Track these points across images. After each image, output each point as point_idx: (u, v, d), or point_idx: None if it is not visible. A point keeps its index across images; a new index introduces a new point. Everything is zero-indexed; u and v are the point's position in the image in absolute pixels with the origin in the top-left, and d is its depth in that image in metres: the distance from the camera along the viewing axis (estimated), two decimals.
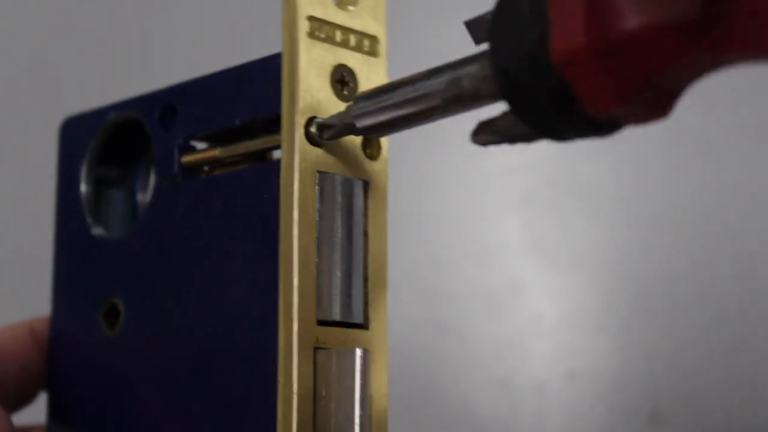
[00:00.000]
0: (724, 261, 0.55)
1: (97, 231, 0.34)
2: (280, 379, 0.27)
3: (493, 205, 0.58)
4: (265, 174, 0.28)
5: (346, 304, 0.28)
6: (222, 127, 0.30)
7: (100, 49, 0.62)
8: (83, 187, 0.35)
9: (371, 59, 0.29)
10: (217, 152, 0.31)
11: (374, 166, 0.29)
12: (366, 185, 0.29)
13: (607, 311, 0.56)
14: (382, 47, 0.30)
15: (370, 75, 0.29)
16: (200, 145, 0.32)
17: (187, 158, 0.31)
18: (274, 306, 0.27)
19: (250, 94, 0.29)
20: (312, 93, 0.28)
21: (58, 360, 0.35)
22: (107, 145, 0.35)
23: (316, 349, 0.27)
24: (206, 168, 0.32)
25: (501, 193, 0.58)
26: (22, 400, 0.35)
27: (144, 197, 0.36)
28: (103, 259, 0.33)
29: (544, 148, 0.59)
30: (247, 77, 0.30)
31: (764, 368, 0.55)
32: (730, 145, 0.57)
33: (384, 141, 0.30)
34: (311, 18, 0.28)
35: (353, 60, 0.29)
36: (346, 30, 0.29)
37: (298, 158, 0.27)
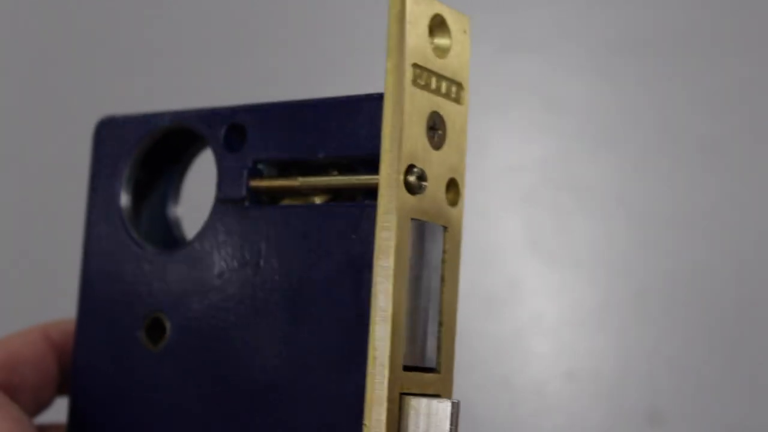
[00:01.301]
0: (724, 261, 0.55)
1: (140, 242, 0.34)
2: (366, 422, 0.27)
3: (493, 204, 0.58)
4: (355, 215, 0.29)
5: (425, 349, 0.29)
6: (301, 157, 0.30)
7: (108, 50, 0.62)
8: (124, 197, 0.34)
9: (457, 106, 0.30)
10: (296, 182, 0.31)
11: (453, 212, 0.30)
12: (445, 231, 0.29)
13: (606, 311, 0.56)
14: (466, 94, 0.31)
15: (456, 121, 0.30)
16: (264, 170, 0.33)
17: (257, 183, 0.31)
18: (357, 348, 0.28)
19: (340, 131, 0.29)
20: (411, 140, 0.28)
21: (85, 370, 0.34)
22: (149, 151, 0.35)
23: (402, 395, 0.28)
24: (274, 196, 0.32)
25: (501, 193, 0.58)
26: (39, 406, 0.35)
27: (174, 208, 0.36)
28: (146, 272, 0.33)
29: (544, 148, 0.59)
30: (338, 113, 0.30)
31: (764, 368, 0.55)
32: (730, 145, 0.57)
33: (462, 187, 0.30)
34: (415, 65, 0.29)
35: (444, 106, 0.29)
36: (440, 77, 0.29)
37: (397, 205, 0.28)
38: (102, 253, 0.34)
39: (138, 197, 0.34)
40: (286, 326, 0.30)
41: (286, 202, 0.31)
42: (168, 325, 0.32)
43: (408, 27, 0.29)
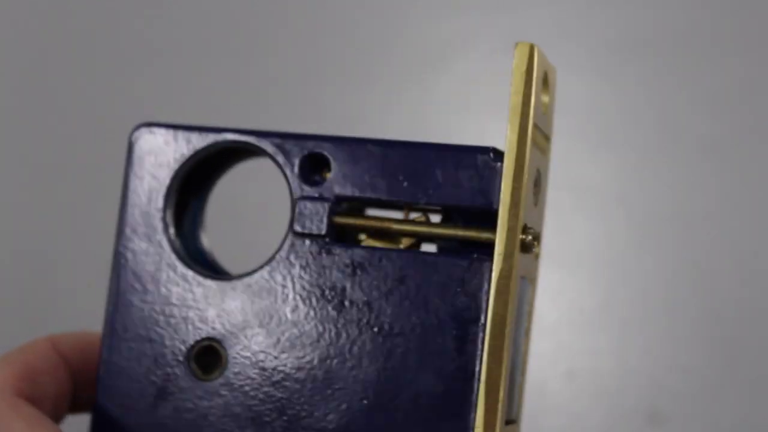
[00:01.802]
0: (724, 261, 0.55)
1: (191, 264, 0.32)
2: None
3: None
4: (463, 268, 0.29)
5: (513, 403, 0.30)
6: (400, 200, 0.30)
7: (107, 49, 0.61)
8: (168, 214, 0.33)
9: (546, 159, 0.31)
10: (388, 225, 0.30)
11: (536, 264, 0.30)
12: (531, 284, 0.30)
13: (606, 311, 0.56)
14: (551, 145, 0.31)
15: (545, 175, 0.31)
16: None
17: (341, 220, 0.31)
18: (456, 403, 0.29)
19: (445, 180, 0.30)
20: (527, 200, 0.29)
21: (113, 390, 0.32)
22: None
23: None
24: (350, 234, 0.31)
25: None
26: (57, 421, 0.34)
27: (203, 231, 0.35)
28: (198, 297, 0.31)
29: None
30: (443, 161, 0.30)
31: (764, 368, 0.55)
32: (730, 145, 0.57)
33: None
34: (535, 126, 0.29)
35: (541, 162, 0.30)
36: (543, 134, 0.30)
37: (516, 267, 0.28)
38: (140, 271, 0.32)
39: (177, 216, 0.33)
40: (373, 371, 0.29)
41: (367, 243, 0.31)
42: (225, 354, 0.31)
43: (534, 87, 0.29)
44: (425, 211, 0.31)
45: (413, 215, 0.31)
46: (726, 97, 0.57)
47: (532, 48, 0.29)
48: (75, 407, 0.34)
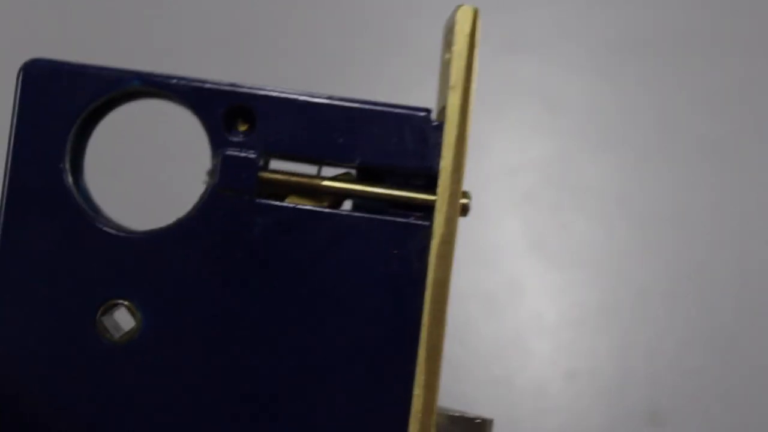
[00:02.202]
0: (724, 261, 0.55)
1: (96, 218, 0.30)
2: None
3: (493, 205, 0.58)
4: (402, 232, 0.29)
5: None
6: (333, 158, 0.29)
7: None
8: (68, 164, 0.30)
9: None
10: (321, 183, 0.30)
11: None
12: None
13: (607, 311, 0.56)
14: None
15: None
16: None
17: (268, 176, 0.30)
18: (396, 363, 0.29)
19: (385, 139, 0.29)
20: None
21: (7, 363, 0.30)
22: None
23: None
24: (277, 191, 0.30)
25: (501, 193, 0.58)
26: None
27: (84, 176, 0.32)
28: (101, 253, 0.29)
29: (544, 148, 0.59)
30: (381, 121, 0.29)
31: (764, 368, 0.55)
32: (730, 145, 0.57)
33: None
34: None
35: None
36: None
37: (456, 231, 0.28)
38: (28, 227, 0.29)
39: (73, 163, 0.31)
40: (303, 338, 0.29)
41: (291, 200, 0.30)
42: (139, 316, 0.29)
43: (476, 51, 0.29)
44: (361, 171, 0.30)
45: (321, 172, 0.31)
46: (726, 97, 0.57)
47: (476, 11, 0.29)
48: None
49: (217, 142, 0.29)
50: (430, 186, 0.29)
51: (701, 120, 0.57)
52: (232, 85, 0.29)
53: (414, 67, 0.58)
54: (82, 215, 0.29)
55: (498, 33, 0.59)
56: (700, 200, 0.56)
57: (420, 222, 0.29)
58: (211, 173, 0.30)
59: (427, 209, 0.29)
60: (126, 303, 0.29)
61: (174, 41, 0.59)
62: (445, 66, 0.31)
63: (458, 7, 0.29)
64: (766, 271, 0.55)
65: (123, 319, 0.30)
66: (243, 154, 0.29)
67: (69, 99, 0.30)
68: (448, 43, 0.30)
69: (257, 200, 0.29)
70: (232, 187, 0.29)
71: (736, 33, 0.58)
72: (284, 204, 0.29)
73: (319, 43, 0.59)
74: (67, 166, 0.29)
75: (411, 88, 0.58)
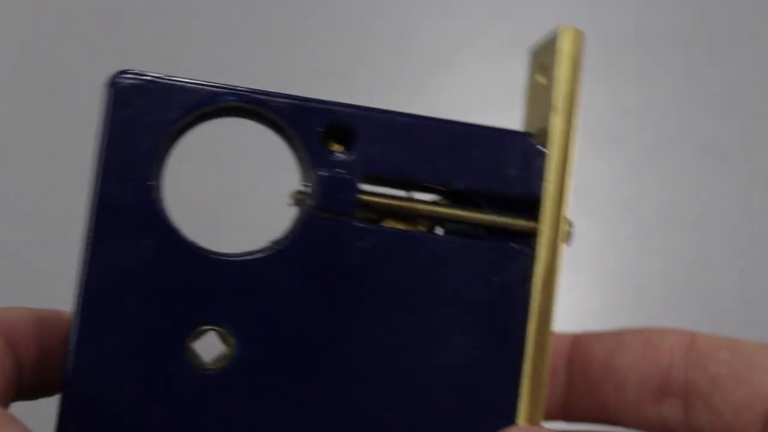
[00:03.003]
0: (724, 261, 0.55)
1: (187, 240, 0.28)
2: None
3: None
4: (504, 258, 0.28)
5: None
6: (435, 182, 0.28)
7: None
8: (159, 181, 0.28)
9: None
10: (421, 207, 0.29)
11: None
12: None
13: (607, 311, 0.56)
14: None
15: None
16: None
17: (369, 198, 0.28)
18: (497, 391, 0.28)
19: (488, 163, 0.28)
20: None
21: (89, 387, 0.27)
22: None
23: None
24: (376, 214, 0.29)
25: None
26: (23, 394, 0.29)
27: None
28: (198, 275, 0.28)
29: None
30: (482, 144, 0.28)
31: None
32: (730, 145, 0.57)
33: None
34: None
35: None
36: None
37: (560, 258, 0.28)
38: (118, 245, 0.27)
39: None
40: (402, 362, 0.28)
41: (386, 223, 0.29)
42: (231, 343, 0.28)
43: (580, 74, 0.28)
44: (453, 194, 0.29)
45: (417, 195, 0.30)
46: (726, 97, 0.57)
47: (579, 33, 0.28)
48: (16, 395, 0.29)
49: (314, 162, 0.28)
50: (529, 211, 0.28)
51: (701, 120, 0.57)
52: (332, 103, 0.28)
53: (414, 68, 0.58)
54: (173, 234, 0.28)
55: (497, 34, 0.59)
56: (699, 200, 0.56)
57: (521, 248, 0.28)
58: (297, 194, 0.29)
59: (527, 235, 0.28)
60: (218, 329, 0.28)
61: (174, 41, 0.59)
62: (539, 89, 0.30)
63: (559, 27, 0.28)
64: (766, 271, 0.55)
65: (208, 344, 0.29)
66: (342, 176, 0.28)
67: (161, 113, 0.28)
68: (542, 66, 0.29)
69: (356, 223, 0.28)
70: (331, 209, 0.28)
71: (735, 33, 0.58)
72: (384, 227, 0.28)
73: (320, 43, 0.59)
74: (157, 182, 0.28)
75: (411, 89, 0.58)
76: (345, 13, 0.59)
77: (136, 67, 0.28)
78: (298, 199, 0.29)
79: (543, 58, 0.29)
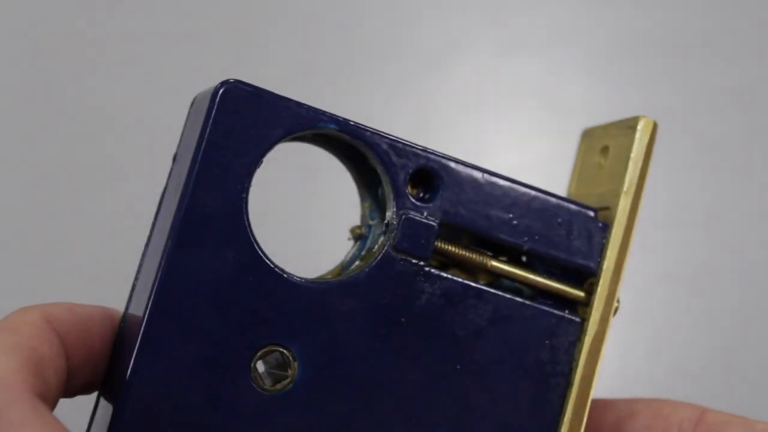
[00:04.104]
0: (724, 261, 0.55)
1: (269, 260, 0.28)
2: None
3: None
4: (557, 323, 0.29)
5: None
6: (504, 239, 0.29)
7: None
8: (248, 196, 0.27)
9: None
10: (487, 262, 0.30)
11: None
12: None
13: None
14: None
15: None
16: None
17: (445, 246, 0.29)
18: None
19: (556, 231, 0.30)
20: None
21: (150, 392, 0.27)
22: None
23: None
24: (444, 261, 0.30)
25: None
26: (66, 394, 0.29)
27: None
28: (273, 295, 0.27)
29: (544, 149, 0.59)
30: (560, 212, 0.30)
31: (764, 368, 0.55)
32: (731, 145, 0.57)
33: None
34: None
35: None
36: None
37: (609, 330, 0.29)
38: (200, 253, 0.27)
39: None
40: (451, 405, 0.29)
41: (450, 272, 0.30)
42: (294, 365, 0.28)
43: (651, 162, 0.30)
44: (508, 251, 0.30)
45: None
46: (726, 97, 0.57)
47: (655, 125, 0.30)
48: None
49: (398, 202, 0.28)
50: (580, 280, 0.30)
51: (701, 120, 0.57)
52: (423, 148, 0.29)
53: (414, 68, 0.59)
54: (255, 250, 0.27)
55: (499, 35, 0.59)
56: (700, 200, 0.56)
57: (572, 317, 0.30)
58: (356, 229, 0.30)
59: (576, 304, 0.30)
60: (285, 351, 0.28)
61: (173, 40, 0.59)
62: (595, 168, 0.31)
63: (638, 117, 0.30)
64: (767, 271, 0.55)
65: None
66: (425, 221, 0.29)
67: (267, 129, 0.27)
68: (603, 148, 0.31)
69: (429, 269, 0.29)
70: (409, 251, 0.29)
71: (735, 34, 0.58)
72: (454, 277, 0.29)
73: (319, 42, 0.59)
74: (247, 196, 0.27)
75: (411, 88, 0.58)
76: (345, 13, 0.59)
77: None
78: (357, 234, 0.30)
79: (605, 141, 0.31)
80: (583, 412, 0.29)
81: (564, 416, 0.29)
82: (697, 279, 0.56)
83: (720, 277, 0.55)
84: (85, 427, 0.29)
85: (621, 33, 0.59)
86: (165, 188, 0.29)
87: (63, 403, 0.28)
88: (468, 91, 0.58)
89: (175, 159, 0.29)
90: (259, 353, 0.27)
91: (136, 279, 0.29)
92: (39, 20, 0.61)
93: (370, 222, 0.30)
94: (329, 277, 0.30)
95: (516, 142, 0.59)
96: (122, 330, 0.28)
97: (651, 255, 0.56)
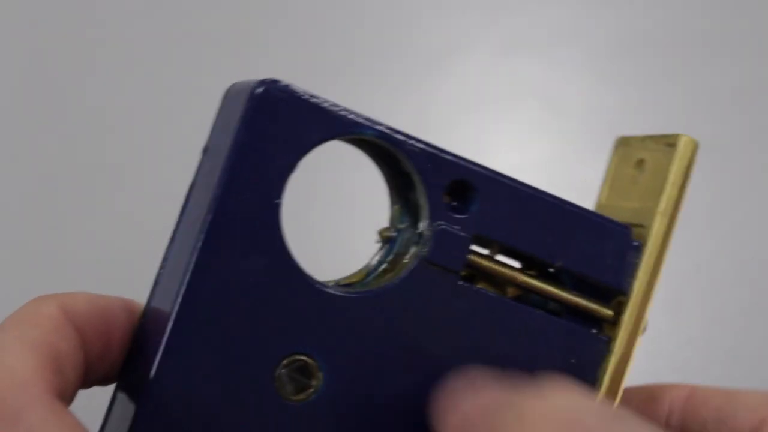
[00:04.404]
0: (724, 261, 0.55)
1: (299, 268, 0.27)
2: None
3: None
4: (585, 341, 0.29)
5: None
6: (537, 255, 0.29)
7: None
8: (281, 201, 0.27)
9: None
10: (518, 277, 0.29)
11: None
12: None
13: None
14: None
15: None
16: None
17: (477, 260, 0.29)
18: None
19: (586, 248, 0.29)
20: None
21: (171, 393, 0.26)
22: None
23: None
24: (474, 274, 0.29)
25: None
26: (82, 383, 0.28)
27: None
28: (302, 303, 0.27)
29: (544, 148, 0.59)
30: (589, 229, 0.29)
31: (764, 368, 0.55)
32: (731, 145, 0.57)
33: None
34: None
35: None
36: None
37: (635, 351, 0.29)
38: (229, 257, 0.26)
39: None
40: None
41: (479, 284, 0.29)
42: (319, 376, 0.27)
43: (689, 182, 0.29)
44: (537, 265, 0.30)
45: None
46: (726, 97, 0.57)
47: (696, 145, 0.29)
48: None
49: (433, 213, 0.28)
50: (608, 299, 0.29)
51: (701, 120, 0.57)
52: (461, 158, 0.28)
53: (414, 67, 0.59)
54: (286, 257, 0.27)
55: (499, 35, 0.59)
56: (700, 200, 0.56)
57: (599, 335, 0.29)
58: (384, 231, 0.29)
59: (602, 322, 0.30)
60: (310, 360, 0.27)
61: (174, 41, 0.59)
62: (628, 180, 0.31)
63: (679, 135, 0.30)
64: (767, 271, 0.55)
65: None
66: (458, 233, 0.28)
67: (301, 133, 0.26)
68: (638, 161, 0.31)
69: (460, 281, 0.28)
70: (441, 263, 0.28)
71: (735, 34, 0.58)
72: (484, 291, 0.29)
73: (319, 42, 0.59)
74: (280, 201, 0.26)
75: (411, 88, 0.58)
76: (345, 13, 0.59)
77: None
78: (386, 237, 0.29)
79: (641, 154, 0.31)
80: None
81: None
82: (697, 279, 0.56)
83: (720, 276, 0.55)
84: (101, 417, 0.28)
85: (621, 33, 0.59)
86: (194, 182, 0.28)
87: (79, 393, 0.27)
88: (468, 91, 0.58)
89: (205, 151, 0.28)
90: (284, 362, 0.27)
91: (161, 270, 0.28)
92: (39, 20, 0.61)
93: (399, 226, 0.29)
94: (354, 280, 0.29)
95: (516, 142, 0.59)
96: (144, 324, 0.28)
97: None
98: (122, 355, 0.28)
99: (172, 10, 0.60)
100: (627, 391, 0.31)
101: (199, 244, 0.26)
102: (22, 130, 0.59)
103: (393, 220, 0.29)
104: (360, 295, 0.27)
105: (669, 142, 0.30)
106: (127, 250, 0.54)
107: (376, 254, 0.30)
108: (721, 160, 0.56)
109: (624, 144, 0.32)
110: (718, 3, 0.58)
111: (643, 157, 0.30)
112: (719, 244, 0.56)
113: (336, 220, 0.55)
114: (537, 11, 0.59)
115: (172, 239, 0.28)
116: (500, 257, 0.30)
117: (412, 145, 0.28)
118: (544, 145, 0.59)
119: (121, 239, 0.55)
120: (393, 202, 0.30)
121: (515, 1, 0.59)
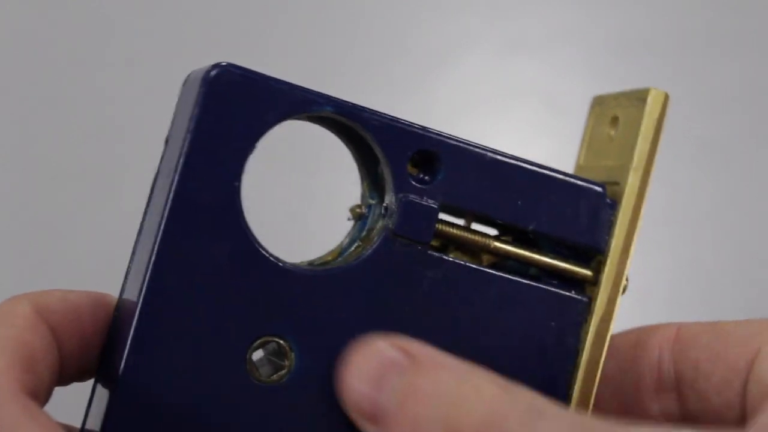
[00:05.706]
0: (724, 261, 0.55)
1: (263, 249, 0.27)
2: None
3: None
4: (562, 304, 0.28)
5: None
6: (508, 220, 0.28)
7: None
8: (240, 183, 0.26)
9: None
10: (489, 243, 0.28)
11: None
12: None
13: None
14: None
15: None
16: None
17: (445, 229, 0.28)
18: None
19: (561, 210, 0.28)
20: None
21: (142, 389, 0.26)
22: None
23: None
24: (444, 243, 0.29)
25: None
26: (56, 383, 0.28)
27: None
28: (268, 285, 0.27)
29: (544, 148, 0.59)
30: (559, 192, 0.28)
31: None
32: (730, 145, 0.57)
33: None
34: None
35: None
36: None
37: (616, 311, 0.28)
38: (191, 243, 0.26)
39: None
40: None
41: (452, 254, 0.29)
42: (291, 356, 0.27)
43: (661, 136, 0.29)
44: (513, 231, 0.29)
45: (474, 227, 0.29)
46: (726, 97, 0.57)
47: (666, 97, 0.29)
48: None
49: (398, 185, 0.27)
50: (587, 260, 0.29)
51: (701, 120, 0.57)
52: (423, 128, 0.28)
53: (415, 67, 0.59)
54: (249, 240, 0.27)
55: (499, 34, 0.59)
56: (699, 200, 0.56)
57: (579, 297, 0.29)
58: (356, 209, 0.29)
59: (583, 283, 0.29)
60: (281, 341, 0.27)
61: (173, 39, 0.59)
62: (604, 139, 0.30)
63: (648, 89, 0.29)
64: (767, 271, 0.55)
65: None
66: (425, 203, 0.28)
67: (258, 114, 0.26)
68: (612, 119, 0.30)
69: (429, 252, 0.28)
70: (409, 235, 0.27)
71: (736, 33, 0.58)
72: (455, 260, 0.28)
73: (319, 42, 0.59)
74: (239, 184, 0.26)
75: (412, 88, 0.58)
76: (346, 13, 0.59)
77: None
78: (357, 213, 0.29)
79: (615, 111, 0.30)
80: (591, 395, 0.28)
81: (571, 399, 0.28)
82: (697, 279, 0.56)
83: (720, 276, 0.55)
84: (82, 412, 0.28)
85: (621, 33, 0.59)
86: (157, 172, 0.28)
87: (59, 389, 0.28)
88: (468, 91, 0.58)
89: (167, 142, 0.28)
90: (255, 344, 0.27)
91: (130, 263, 0.28)
92: (39, 20, 0.61)
93: (370, 201, 0.29)
94: (329, 258, 0.29)
95: (516, 142, 0.59)
96: (116, 317, 0.28)
97: (650, 254, 0.56)
98: (98, 349, 0.28)
99: (172, 10, 0.60)
100: (614, 338, 0.31)
101: (160, 233, 0.26)
102: (22, 130, 0.59)
103: (363, 197, 0.29)
104: (327, 273, 0.27)
105: (640, 96, 0.29)
106: (127, 250, 0.54)
107: (349, 232, 0.29)
108: (721, 160, 0.56)
109: (599, 103, 0.31)
110: (718, 3, 0.58)
111: (617, 114, 0.30)
112: (719, 243, 0.56)
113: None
114: (537, 11, 0.59)
115: (139, 231, 0.28)
116: (475, 226, 0.29)
117: (371, 118, 0.27)
118: (544, 145, 0.59)
119: (121, 239, 0.55)
120: (362, 179, 0.29)
121: (515, 1, 0.59)
